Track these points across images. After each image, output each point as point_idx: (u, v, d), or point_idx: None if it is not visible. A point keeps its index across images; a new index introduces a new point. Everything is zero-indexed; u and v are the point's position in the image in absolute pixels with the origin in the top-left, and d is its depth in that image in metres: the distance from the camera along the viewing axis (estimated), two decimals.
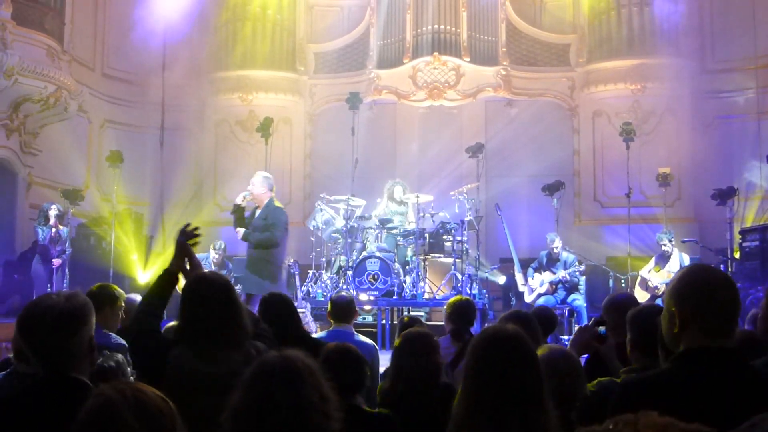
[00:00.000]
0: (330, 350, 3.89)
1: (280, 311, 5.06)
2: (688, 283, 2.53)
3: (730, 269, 12.58)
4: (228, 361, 3.29)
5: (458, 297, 6.37)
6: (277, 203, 9.34)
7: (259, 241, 9.05)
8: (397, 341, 5.74)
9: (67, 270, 12.56)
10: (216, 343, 3.36)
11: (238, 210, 9.46)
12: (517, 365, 2.63)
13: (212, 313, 3.39)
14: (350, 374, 3.72)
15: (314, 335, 6.65)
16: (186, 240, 3.88)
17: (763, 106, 15.68)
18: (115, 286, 5.45)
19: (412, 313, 11.18)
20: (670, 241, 12.26)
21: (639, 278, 12.59)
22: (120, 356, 4.04)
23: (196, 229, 3.95)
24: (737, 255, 12.94)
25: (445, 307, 6.05)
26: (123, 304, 5.27)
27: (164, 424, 1.99)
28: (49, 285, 11.99)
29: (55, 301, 2.73)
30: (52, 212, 12.25)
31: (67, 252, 12.51)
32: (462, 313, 5.76)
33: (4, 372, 3.78)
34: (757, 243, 12.36)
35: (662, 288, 11.69)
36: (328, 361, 3.70)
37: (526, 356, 2.68)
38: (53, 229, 12.26)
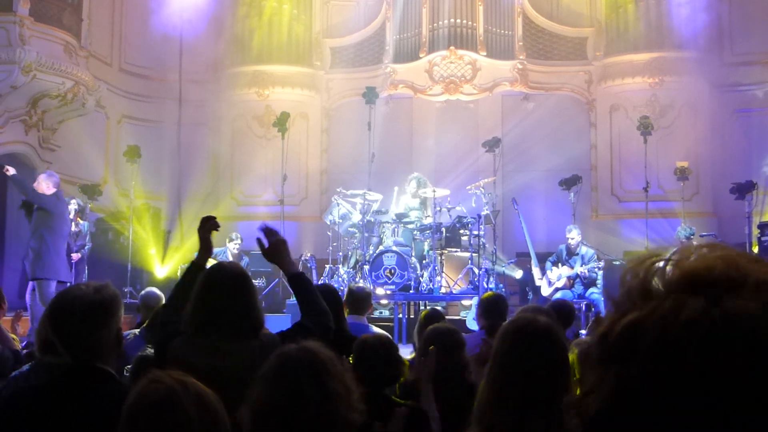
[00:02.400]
0: (364, 341, 3.87)
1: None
2: None
3: None
4: (225, 353, 3.27)
5: (490, 293, 6.33)
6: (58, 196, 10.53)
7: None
8: (416, 331, 5.71)
9: (86, 264, 12.63)
10: (221, 334, 3.33)
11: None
12: (549, 358, 2.61)
13: (220, 303, 3.35)
14: (386, 366, 3.71)
15: None
16: (209, 232, 3.84)
17: None
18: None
19: (433, 307, 11.15)
20: (688, 237, 12.21)
21: None
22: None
23: (215, 219, 3.90)
24: (756, 249, 12.86)
25: (477, 304, 5.99)
26: None
27: (219, 420, 2.00)
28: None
29: (84, 292, 2.75)
30: (72, 206, 12.31)
31: (86, 246, 12.57)
32: (494, 308, 5.70)
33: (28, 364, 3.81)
34: None
35: None
36: (363, 352, 3.70)
37: (557, 349, 2.66)
38: (73, 224, 12.32)
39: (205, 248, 3.84)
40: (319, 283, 12.24)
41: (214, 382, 2.67)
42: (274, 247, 3.75)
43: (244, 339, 3.34)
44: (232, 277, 3.45)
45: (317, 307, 3.71)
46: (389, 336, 4.07)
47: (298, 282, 3.76)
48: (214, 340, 3.32)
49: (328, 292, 5.24)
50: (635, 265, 0.89)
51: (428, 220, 12.36)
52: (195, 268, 3.76)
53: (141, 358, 4.01)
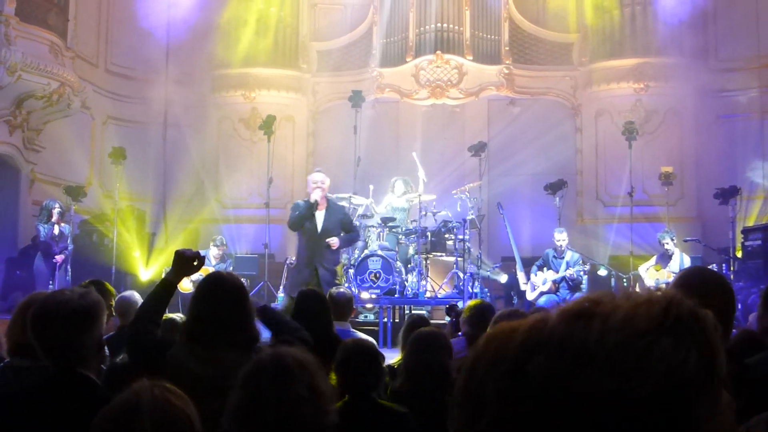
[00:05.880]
0: (348, 348, 3.86)
1: (311, 306, 4.98)
2: (684, 286, 2.55)
3: (732, 268, 12.59)
4: (223, 363, 3.28)
5: (478, 300, 6.18)
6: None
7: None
8: (401, 336, 5.66)
9: (69, 267, 12.57)
10: (217, 343, 3.36)
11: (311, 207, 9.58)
12: None
13: (219, 313, 3.40)
14: (369, 372, 3.70)
15: None
16: (190, 265, 3.81)
17: (766, 105, 15.69)
18: (107, 284, 5.37)
19: (417, 312, 11.11)
20: (672, 240, 12.27)
21: (640, 276, 12.59)
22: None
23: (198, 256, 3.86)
24: (739, 254, 12.96)
25: (464, 309, 5.82)
26: (112, 302, 5.23)
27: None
28: (51, 282, 12.01)
29: (68, 297, 2.75)
30: (55, 210, 12.27)
31: (68, 249, 12.52)
32: (481, 317, 5.39)
33: None
34: (759, 242, 12.38)
35: (662, 288, 11.65)
36: (347, 359, 3.69)
37: None
38: (55, 226, 12.28)
39: (181, 272, 3.83)
40: (305, 288, 12.23)
41: (211, 391, 2.69)
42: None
43: (241, 350, 3.35)
44: (232, 288, 3.50)
45: (289, 326, 3.89)
46: (371, 342, 4.04)
47: (266, 314, 3.93)
48: (213, 349, 3.36)
49: (315, 297, 5.20)
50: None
51: (413, 224, 12.37)
52: (168, 285, 3.77)
53: (112, 366, 3.96)
